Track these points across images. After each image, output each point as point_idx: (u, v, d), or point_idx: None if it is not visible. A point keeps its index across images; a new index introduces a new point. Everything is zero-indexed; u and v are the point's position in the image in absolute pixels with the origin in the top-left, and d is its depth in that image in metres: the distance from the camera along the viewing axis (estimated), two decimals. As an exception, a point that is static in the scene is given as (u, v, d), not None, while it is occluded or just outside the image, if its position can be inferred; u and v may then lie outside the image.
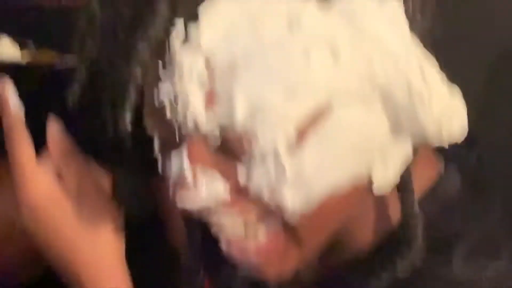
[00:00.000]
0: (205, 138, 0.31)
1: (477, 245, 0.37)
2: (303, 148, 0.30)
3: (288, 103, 0.30)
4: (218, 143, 0.31)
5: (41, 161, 0.38)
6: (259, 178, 0.30)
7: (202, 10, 0.30)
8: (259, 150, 0.30)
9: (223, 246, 0.33)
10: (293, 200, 0.30)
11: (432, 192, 0.39)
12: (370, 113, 0.31)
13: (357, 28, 0.30)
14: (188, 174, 0.31)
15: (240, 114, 0.29)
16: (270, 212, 0.31)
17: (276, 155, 0.30)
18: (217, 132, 0.30)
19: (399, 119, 0.32)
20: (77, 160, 0.39)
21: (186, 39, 0.30)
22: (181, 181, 0.31)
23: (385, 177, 0.34)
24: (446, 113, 0.32)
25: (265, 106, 0.29)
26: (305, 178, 0.30)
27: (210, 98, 0.30)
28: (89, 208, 0.38)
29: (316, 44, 0.29)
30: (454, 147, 0.35)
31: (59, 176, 0.38)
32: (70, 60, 0.58)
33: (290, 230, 0.32)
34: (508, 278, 0.35)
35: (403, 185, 0.36)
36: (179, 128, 0.31)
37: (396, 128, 0.32)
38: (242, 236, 0.32)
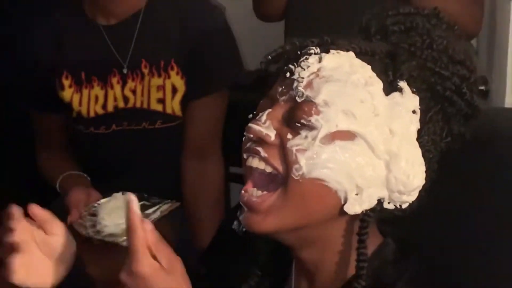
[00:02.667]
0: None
1: None
2: (329, 145, 0.57)
3: (342, 115, 0.58)
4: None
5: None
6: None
7: None
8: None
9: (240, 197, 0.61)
10: (303, 169, 0.56)
11: (377, 253, 0.63)
12: (377, 164, 0.58)
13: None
14: None
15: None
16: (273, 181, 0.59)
17: (314, 138, 0.57)
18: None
19: (393, 174, 0.58)
20: (165, 246, 0.62)
21: None
22: None
23: (353, 205, 0.58)
24: (415, 183, 0.60)
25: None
26: (316, 162, 0.56)
27: None
28: (174, 276, 0.59)
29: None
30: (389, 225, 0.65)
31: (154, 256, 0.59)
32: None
33: (285, 196, 0.58)
34: None
35: (362, 234, 0.59)
36: None
37: (387, 178, 0.59)
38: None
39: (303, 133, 0.58)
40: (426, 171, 0.60)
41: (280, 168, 0.58)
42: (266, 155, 0.58)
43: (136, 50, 1.10)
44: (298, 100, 0.58)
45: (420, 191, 0.61)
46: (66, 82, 1.11)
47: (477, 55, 1.35)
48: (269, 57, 0.61)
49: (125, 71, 1.11)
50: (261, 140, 0.58)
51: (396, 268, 0.61)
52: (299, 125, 0.58)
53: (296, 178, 0.57)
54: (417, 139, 0.60)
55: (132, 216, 0.58)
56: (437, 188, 0.64)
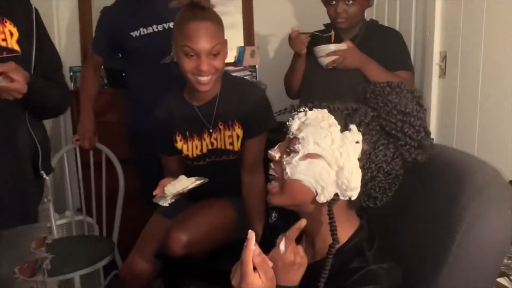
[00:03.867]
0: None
1: (366, 274, 0.84)
2: (304, 161, 0.87)
3: (312, 145, 0.88)
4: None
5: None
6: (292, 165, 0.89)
7: None
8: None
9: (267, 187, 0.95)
10: (289, 174, 0.88)
11: (356, 233, 0.91)
12: (331, 172, 0.86)
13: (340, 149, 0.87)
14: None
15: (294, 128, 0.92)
16: (279, 178, 0.92)
17: (295, 157, 0.89)
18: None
19: (339, 179, 0.85)
20: (267, 265, 0.84)
21: None
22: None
23: (321, 196, 0.87)
24: (353, 184, 0.86)
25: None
26: (296, 170, 0.88)
27: None
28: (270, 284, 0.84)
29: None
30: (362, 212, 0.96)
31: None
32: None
33: (282, 188, 0.91)
34: None
35: (329, 214, 0.86)
36: None
37: (337, 182, 0.86)
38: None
39: (291, 154, 0.88)
40: (373, 179, 0.84)
41: (279, 173, 0.91)
42: (273, 166, 0.93)
43: (216, 117, 1.61)
44: (291, 136, 0.90)
45: (375, 193, 0.87)
46: (178, 138, 1.64)
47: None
48: (281, 112, 0.97)
49: (210, 130, 1.62)
50: (273, 159, 0.93)
51: (367, 243, 0.88)
52: (289, 150, 0.89)
53: (285, 178, 0.89)
54: (363, 160, 0.84)
55: (248, 251, 0.81)
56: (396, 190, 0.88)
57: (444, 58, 1.83)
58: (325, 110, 0.89)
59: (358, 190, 0.85)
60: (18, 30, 1.30)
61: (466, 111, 1.69)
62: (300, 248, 0.90)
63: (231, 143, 1.62)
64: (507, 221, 0.84)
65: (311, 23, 2.18)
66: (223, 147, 1.63)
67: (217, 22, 1.46)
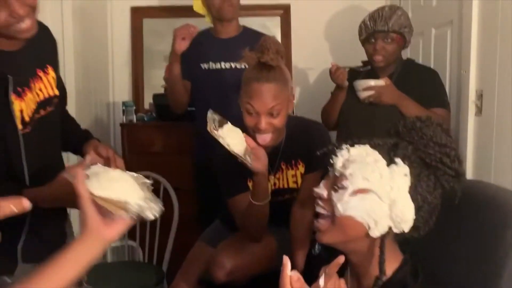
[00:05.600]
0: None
1: None
2: (354, 197, 0.86)
3: (361, 180, 0.88)
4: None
5: None
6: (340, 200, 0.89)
7: None
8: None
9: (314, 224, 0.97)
10: (340, 211, 0.88)
11: (400, 268, 0.89)
12: (383, 206, 0.85)
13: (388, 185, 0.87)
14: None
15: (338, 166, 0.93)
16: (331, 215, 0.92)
17: (345, 194, 0.88)
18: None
19: (393, 212, 0.85)
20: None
21: None
22: None
23: (374, 230, 0.86)
24: (408, 216, 0.88)
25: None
26: (347, 206, 0.87)
27: None
28: None
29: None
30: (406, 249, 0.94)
31: None
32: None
33: (333, 225, 0.91)
34: None
35: (381, 248, 0.87)
36: None
37: (390, 215, 0.85)
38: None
39: (340, 191, 0.87)
40: (419, 210, 0.84)
41: (329, 210, 0.90)
42: (322, 204, 0.92)
43: (279, 159, 1.59)
44: (337, 174, 0.90)
45: (419, 223, 0.86)
46: (250, 184, 1.55)
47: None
48: (324, 151, 0.97)
49: (272, 172, 1.59)
50: (321, 197, 0.92)
51: (412, 278, 0.88)
52: (337, 187, 0.88)
53: (337, 215, 0.88)
54: (410, 192, 0.84)
55: (284, 276, 0.80)
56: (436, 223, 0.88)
57: (480, 96, 1.81)
58: (367, 146, 0.90)
59: (411, 222, 0.85)
60: (54, 70, 1.23)
61: (504, 149, 1.66)
62: (342, 282, 0.88)
63: (295, 182, 1.61)
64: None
65: (346, 60, 2.23)
66: (286, 186, 1.62)
67: (282, 82, 1.44)
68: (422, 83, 1.96)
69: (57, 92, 1.22)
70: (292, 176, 1.61)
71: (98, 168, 0.81)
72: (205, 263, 1.63)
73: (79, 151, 1.31)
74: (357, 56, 2.18)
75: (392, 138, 0.92)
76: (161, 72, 2.81)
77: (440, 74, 2.01)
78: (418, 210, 0.87)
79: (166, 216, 2.00)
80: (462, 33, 1.93)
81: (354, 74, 2.07)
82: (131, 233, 2.25)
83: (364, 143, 0.91)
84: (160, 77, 2.78)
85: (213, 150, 1.59)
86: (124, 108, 2.73)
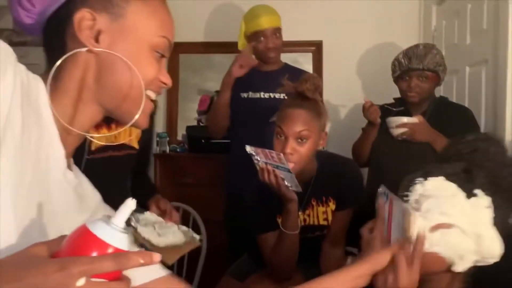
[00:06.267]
0: None
1: None
2: (435, 233, 0.80)
3: (438, 216, 0.82)
4: None
5: None
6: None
7: None
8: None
9: None
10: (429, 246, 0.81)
11: None
12: (469, 241, 0.79)
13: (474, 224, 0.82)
14: None
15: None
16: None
17: (425, 230, 0.82)
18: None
19: (479, 246, 0.79)
20: None
21: None
22: None
23: (460, 267, 0.80)
24: (496, 252, 0.80)
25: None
26: (432, 242, 0.80)
27: None
28: None
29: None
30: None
31: None
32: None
33: (412, 262, 0.82)
34: None
35: (465, 284, 0.84)
36: None
37: (476, 249, 0.79)
38: None
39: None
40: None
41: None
42: None
43: (309, 196, 1.57)
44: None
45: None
46: (279, 221, 1.51)
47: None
48: (402, 195, 0.87)
49: (302, 208, 1.55)
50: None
51: None
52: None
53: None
54: (495, 223, 0.79)
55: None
56: None
57: (517, 135, 1.76)
58: (442, 178, 0.84)
59: (499, 255, 0.81)
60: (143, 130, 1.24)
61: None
62: None
63: (325, 219, 1.59)
64: None
65: (378, 96, 2.21)
66: (316, 223, 1.59)
67: (314, 112, 1.44)
68: (455, 121, 1.93)
69: (135, 145, 1.33)
70: (322, 213, 1.58)
71: (152, 216, 0.81)
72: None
73: (144, 205, 1.41)
74: (388, 92, 2.17)
75: (456, 163, 0.87)
76: (195, 105, 2.91)
77: (474, 113, 1.98)
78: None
79: (194, 248, 2.06)
80: (498, 73, 1.89)
81: (386, 111, 2.05)
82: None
83: (438, 175, 0.85)
84: (193, 109, 2.86)
85: (246, 181, 1.59)
86: (158, 139, 2.76)
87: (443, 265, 0.83)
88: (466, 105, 2.14)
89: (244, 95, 2.17)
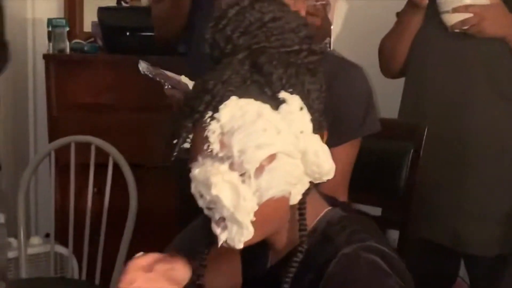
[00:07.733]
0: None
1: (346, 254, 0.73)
2: (262, 175, 0.70)
3: (257, 151, 0.69)
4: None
5: None
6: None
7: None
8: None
9: None
10: (256, 201, 0.70)
11: (323, 216, 0.80)
12: (297, 163, 0.72)
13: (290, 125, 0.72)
14: None
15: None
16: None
17: (250, 178, 0.70)
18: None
19: (308, 167, 0.73)
20: None
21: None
22: None
23: (296, 195, 0.74)
24: (325, 167, 0.74)
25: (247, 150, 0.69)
26: (261, 192, 0.70)
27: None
28: None
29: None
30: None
31: None
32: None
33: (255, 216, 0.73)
34: None
35: (301, 208, 0.75)
36: None
37: (306, 171, 0.73)
38: None
39: (246, 180, 0.72)
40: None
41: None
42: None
43: None
44: (218, 155, 0.73)
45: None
46: None
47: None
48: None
49: None
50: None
51: (340, 226, 0.78)
52: (240, 177, 0.74)
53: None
54: (313, 121, 0.75)
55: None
56: None
57: None
58: (234, 98, 0.73)
59: (333, 169, 0.77)
60: None
61: None
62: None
63: None
64: None
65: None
66: None
67: None
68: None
69: None
70: None
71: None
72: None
73: None
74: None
75: (233, 58, 0.75)
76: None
77: None
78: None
79: (117, 209, 1.76)
80: None
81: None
82: (60, 234, 1.81)
83: (226, 96, 0.73)
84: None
85: None
86: (50, 29, 2.20)
87: (284, 205, 0.78)
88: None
89: None
